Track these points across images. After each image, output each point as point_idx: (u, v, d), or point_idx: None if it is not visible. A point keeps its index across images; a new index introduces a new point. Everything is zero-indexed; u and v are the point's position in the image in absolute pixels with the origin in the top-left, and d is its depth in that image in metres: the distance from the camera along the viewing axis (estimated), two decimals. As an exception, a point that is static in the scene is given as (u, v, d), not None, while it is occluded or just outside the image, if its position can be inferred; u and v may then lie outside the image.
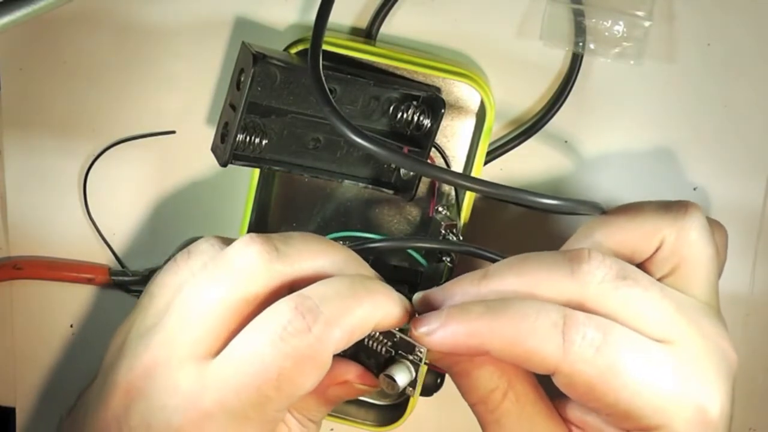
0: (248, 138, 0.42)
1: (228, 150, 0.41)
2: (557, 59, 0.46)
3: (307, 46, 0.40)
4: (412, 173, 0.45)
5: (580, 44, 0.45)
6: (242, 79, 0.40)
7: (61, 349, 0.51)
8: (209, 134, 0.42)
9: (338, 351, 0.34)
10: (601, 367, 0.33)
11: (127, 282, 0.49)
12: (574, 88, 0.46)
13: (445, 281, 0.39)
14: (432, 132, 0.44)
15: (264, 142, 0.42)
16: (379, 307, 0.35)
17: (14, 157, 0.48)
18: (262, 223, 0.47)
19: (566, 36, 0.45)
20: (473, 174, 0.44)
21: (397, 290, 0.37)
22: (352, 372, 0.37)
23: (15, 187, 0.49)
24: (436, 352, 0.36)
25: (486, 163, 0.46)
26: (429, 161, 0.44)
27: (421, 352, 0.35)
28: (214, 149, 0.42)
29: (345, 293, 0.34)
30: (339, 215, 0.47)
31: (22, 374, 0.51)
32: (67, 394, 0.41)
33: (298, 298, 0.34)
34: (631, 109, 0.47)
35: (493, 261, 0.39)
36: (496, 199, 0.47)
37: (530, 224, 0.48)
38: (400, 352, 0.36)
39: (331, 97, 0.38)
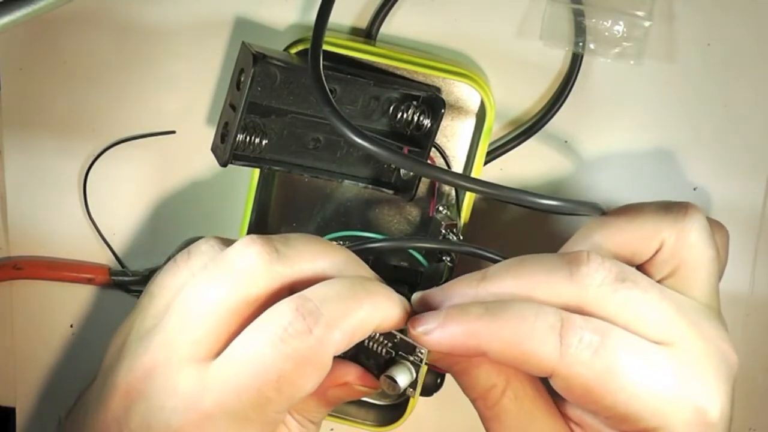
0: (248, 138, 0.42)
1: (228, 150, 0.41)
2: (557, 59, 0.46)
3: (307, 46, 0.40)
4: (412, 173, 0.45)
5: (580, 44, 0.45)
6: (242, 79, 0.40)
7: (61, 349, 0.51)
8: (209, 134, 0.42)
9: (339, 353, 0.34)
10: (598, 369, 0.33)
11: (127, 282, 0.49)
12: (574, 88, 0.46)
13: (445, 281, 0.39)
14: (432, 132, 0.44)
15: (264, 142, 0.42)
16: (379, 309, 0.35)
17: (14, 157, 0.48)
18: (262, 223, 0.47)
19: (566, 36, 0.45)
20: (473, 174, 0.44)
21: (397, 290, 0.37)
22: (352, 373, 0.36)
23: (15, 187, 0.49)
24: (436, 353, 0.36)
25: (486, 163, 0.45)
26: (429, 161, 0.44)
27: (421, 353, 0.35)
28: (214, 149, 0.42)
29: (345, 295, 0.34)
30: (339, 215, 0.47)
31: (22, 374, 0.51)
32: (67, 394, 0.41)
33: (299, 300, 0.34)
34: (631, 109, 0.47)
35: (493, 261, 0.39)
36: (496, 200, 0.47)
37: (530, 225, 0.48)
38: (400, 353, 0.36)
39: (331, 97, 0.38)
